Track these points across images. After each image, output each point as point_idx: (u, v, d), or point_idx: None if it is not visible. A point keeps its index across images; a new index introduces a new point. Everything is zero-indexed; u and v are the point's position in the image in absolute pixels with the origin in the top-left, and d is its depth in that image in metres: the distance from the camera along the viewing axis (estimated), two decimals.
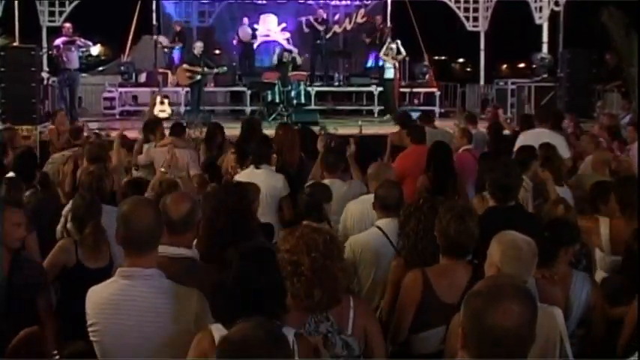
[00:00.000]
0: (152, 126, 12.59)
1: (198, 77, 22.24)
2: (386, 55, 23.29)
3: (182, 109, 23.51)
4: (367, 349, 4.65)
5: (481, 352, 2.94)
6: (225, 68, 23.97)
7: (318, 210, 7.22)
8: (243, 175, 9.15)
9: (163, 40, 26.12)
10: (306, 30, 26.50)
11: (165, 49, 25.97)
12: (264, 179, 8.79)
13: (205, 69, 22.39)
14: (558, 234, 5.96)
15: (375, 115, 24.43)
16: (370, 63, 27.64)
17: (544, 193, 8.62)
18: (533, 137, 11.24)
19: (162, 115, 21.01)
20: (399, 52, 23.42)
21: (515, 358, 2.96)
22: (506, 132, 14.85)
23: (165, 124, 13.42)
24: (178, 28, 26.14)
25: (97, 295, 4.50)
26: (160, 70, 24.93)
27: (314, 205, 7.23)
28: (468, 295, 3.05)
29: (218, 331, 3.96)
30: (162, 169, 9.39)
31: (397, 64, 23.48)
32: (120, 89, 25.20)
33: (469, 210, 5.66)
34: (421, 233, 5.87)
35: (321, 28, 25.75)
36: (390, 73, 23.32)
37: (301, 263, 4.49)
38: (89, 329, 4.49)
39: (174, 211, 5.07)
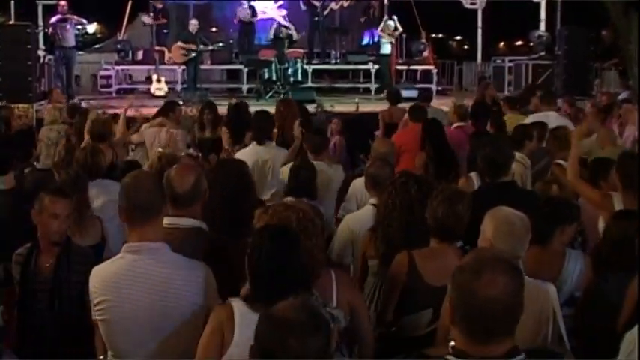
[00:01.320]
0: (171, 106, 12.66)
1: (194, 55, 22.21)
2: (383, 31, 23.29)
3: (179, 87, 23.50)
4: (353, 322, 4.64)
5: (470, 325, 2.96)
6: (220, 45, 23.97)
7: (311, 187, 7.28)
8: (247, 153, 9.12)
9: (146, 18, 26.09)
10: (303, 8, 26.38)
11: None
12: (271, 155, 8.82)
13: (201, 46, 22.36)
14: (554, 212, 5.96)
15: (372, 92, 24.39)
16: (367, 40, 27.65)
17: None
18: (541, 119, 11.22)
19: (158, 93, 21.06)
20: (395, 28, 23.44)
21: (504, 328, 2.97)
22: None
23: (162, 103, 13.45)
24: (160, 5, 25.95)
25: (103, 272, 4.49)
26: (157, 48, 24.87)
27: (307, 183, 7.24)
28: (454, 270, 3.07)
29: (237, 304, 4.04)
30: (160, 149, 9.40)
31: (394, 41, 23.48)
32: (116, 67, 25.17)
33: (460, 193, 5.65)
34: (390, 208, 5.89)
35: (318, 4, 25.65)
36: (386, 49, 23.35)
37: None
38: (96, 307, 4.46)
39: (180, 184, 5.06)
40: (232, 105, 12.65)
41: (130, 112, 13.17)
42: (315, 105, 17.57)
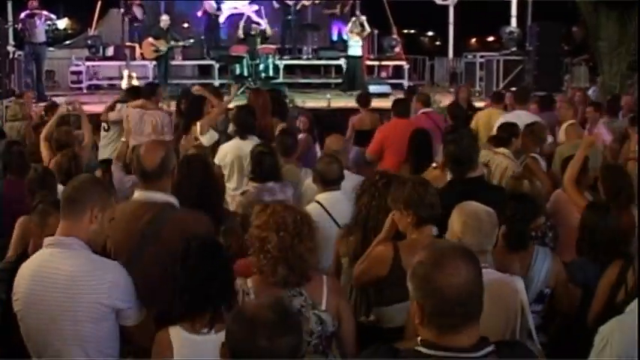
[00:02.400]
0: (135, 90, 12.67)
1: (164, 50, 22.12)
2: (351, 31, 23.23)
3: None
4: (339, 328, 4.71)
5: (441, 317, 2.96)
6: (191, 41, 23.91)
7: (275, 171, 7.37)
8: (229, 146, 9.17)
9: (138, 12, 25.91)
10: (276, 5, 26.32)
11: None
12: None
13: (172, 42, 22.28)
14: (519, 208, 6.00)
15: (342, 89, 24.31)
16: (335, 36, 27.61)
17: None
18: (513, 119, 11.24)
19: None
20: (363, 28, 23.33)
21: (470, 315, 2.98)
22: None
23: None
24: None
25: (23, 267, 4.42)
26: (128, 44, 24.76)
27: (271, 167, 7.30)
28: (412, 268, 3.08)
29: (173, 330, 4.14)
30: (123, 140, 9.45)
31: (364, 41, 23.44)
32: (87, 63, 25.05)
33: (426, 180, 5.72)
34: (374, 210, 5.87)
35: (291, 3, 25.61)
36: (354, 51, 23.22)
37: (269, 241, 4.56)
38: (14, 302, 4.41)
39: (148, 161, 5.09)
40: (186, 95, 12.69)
41: (101, 109, 13.10)
42: (286, 101, 17.50)
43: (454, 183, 6.76)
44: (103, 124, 12.10)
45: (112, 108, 12.04)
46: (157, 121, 11.24)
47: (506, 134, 9.56)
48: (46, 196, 6.55)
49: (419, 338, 3.04)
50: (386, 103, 15.78)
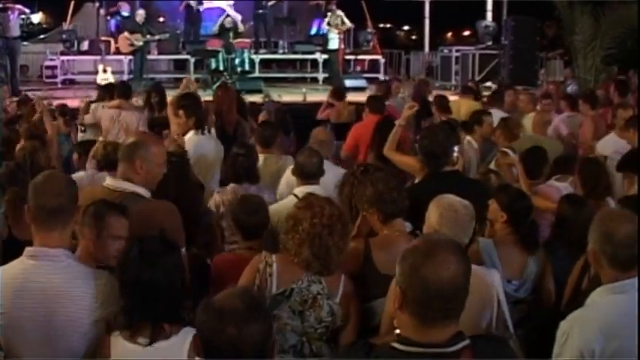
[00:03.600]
0: (108, 89, 12.61)
1: (140, 45, 22.04)
2: (330, 25, 23.23)
3: (125, 77, 23.24)
4: (345, 326, 4.80)
5: (421, 307, 2.95)
6: (167, 35, 23.80)
7: (251, 172, 7.31)
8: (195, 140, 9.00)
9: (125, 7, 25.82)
10: None
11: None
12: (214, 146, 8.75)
13: (147, 36, 22.20)
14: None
15: (320, 82, 24.38)
16: (314, 30, 27.57)
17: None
18: None
19: (104, 83, 20.81)
20: (343, 22, 23.34)
21: (453, 310, 2.98)
22: None
23: None
24: None
25: (4, 280, 4.14)
26: (103, 38, 24.64)
27: (246, 168, 7.23)
28: (403, 252, 3.06)
29: (114, 338, 3.96)
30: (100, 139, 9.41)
31: (342, 35, 23.44)
32: (62, 57, 24.92)
33: (385, 175, 5.70)
34: (355, 200, 5.85)
35: None
36: (333, 44, 23.26)
37: (301, 223, 4.70)
38: None
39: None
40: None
41: (76, 103, 13.05)
42: (262, 95, 17.49)
43: (430, 177, 6.76)
44: (80, 126, 12.04)
45: (86, 110, 11.96)
46: (134, 120, 11.21)
47: (470, 121, 9.65)
48: (19, 192, 6.49)
49: (396, 331, 3.05)
50: (362, 97, 15.78)
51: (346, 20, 23.41)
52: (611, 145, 9.59)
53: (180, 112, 8.52)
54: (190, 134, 8.41)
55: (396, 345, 2.99)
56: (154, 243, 4.11)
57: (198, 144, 8.35)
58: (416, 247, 3.04)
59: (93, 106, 11.97)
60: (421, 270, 2.94)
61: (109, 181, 5.28)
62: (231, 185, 7.27)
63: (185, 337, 3.86)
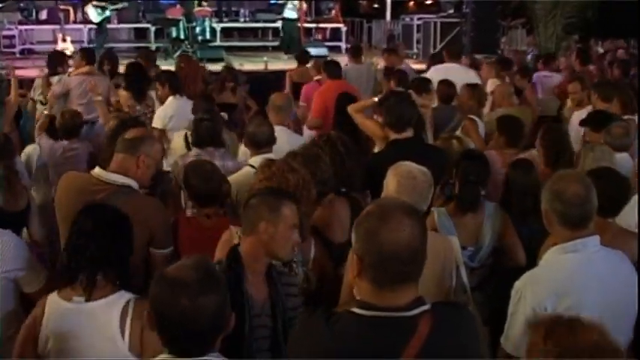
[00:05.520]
0: (61, 58, 12.41)
1: (109, 14, 21.89)
2: None
3: (85, 46, 23.02)
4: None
5: (378, 272, 2.94)
6: (126, 4, 23.57)
7: (215, 137, 7.25)
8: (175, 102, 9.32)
9: None
10: None
11: None
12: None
13: (110, 6, 22.01)
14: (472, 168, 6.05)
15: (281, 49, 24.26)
16: None
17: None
18: (442, 72, 11.29)
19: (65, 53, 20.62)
20: None
21: (411, 273, 2.97)
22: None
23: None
24: None
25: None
26: (62, 7, 24.36)
27: (210, 133, 7.18)
28: (358, 219, 3.04)
29: (51, 296, 4.04)
30: (100, 98, 9.75)
31: (298, 4, 23.38)
32: (19, 27, 24.58)
33: (316, 155, 5.65)
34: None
35: None
36: (290, 13, 23.19)
37: None
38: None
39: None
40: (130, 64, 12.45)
41: (35, 73, 12.90)
42: (223, 63, 17.40)
43: (392, 143, 6.75)
44: (40, 99, 11.83)
45: (47, 84, 11.75)
46: (105, 87, 11.07)
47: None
48: (9, 165, 6.48)
49: (356, 298, 3.03)
50: None
51: None
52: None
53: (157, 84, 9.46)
54: (170, 99, 9.25)
55: (355, 310, 2.97)
56: (109, 207, 4.31)
57: (179, 105, 9.19)
58: (370, 213, 3.02)
59: (56, 78, 11.76)
60: (376, 234, 2.92)
61: (98, 171, 5.22)
62: (195, 150, 7.24)
63: (119, 299, 3.93)
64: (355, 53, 14.48)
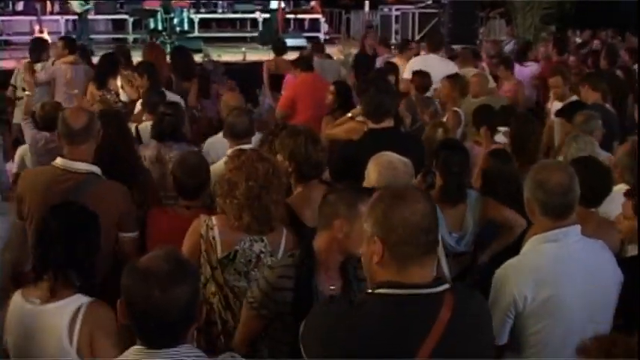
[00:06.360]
0: (43, 45, 12.36)
1: (91, 5, 21.78)
2: None
3: (67, 35, 22.85)
4: None
5: (407, 245, 2.96)
6: None
7: (177, 131, 7.24)
8: None
9: None
10: None
11: None
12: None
13: None
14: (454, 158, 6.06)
15: (260, 42, 24.22)
16: None
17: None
18: (420, 63, 11.29)
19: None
20: None
21: (434, 242, 3.03)
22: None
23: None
24: None
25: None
26: None
27: (171, 128, 7.17)
28: (370, 205, 3.09)
29: (15, 296, 4.08)
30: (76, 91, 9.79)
31: None
32: None
33: (317, 136, 5.76)
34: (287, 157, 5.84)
35: None
36: (272, 4, 23.19)
37: (237, 187, 4.63)
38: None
39: (74, 121, 5.19)
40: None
41: (12, 64, 12.83)
42: (202, 55, 17.36)
43: (370, 133, 6.75)
44: (22, 85, 11.75)
45: (30, 70, 11.67)
46: (89, 77, 11.03)
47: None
48: None
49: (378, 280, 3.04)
50: None
51: None
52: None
53: (136, 75, 9.43)
54: None
55: (380, 290, 2.98)
56: (75, 205, 4.36)
57: None
58: (382, 195, 3.08)
59: (40, 64, 11.71)
60: (396, 210, 2.96)
61: (61, 162, 5.21)
62: (153, 142, 7.21)
63: (71, 303, 3.93)
64: (319, 49, 14.48)
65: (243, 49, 20.73)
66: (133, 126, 8.03)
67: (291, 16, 25.98)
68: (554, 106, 9.61)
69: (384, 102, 6.74)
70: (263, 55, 19.33)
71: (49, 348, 3.90)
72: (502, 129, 7.82)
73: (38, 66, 11.58)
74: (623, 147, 6.49)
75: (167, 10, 22.40)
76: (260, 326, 4.19)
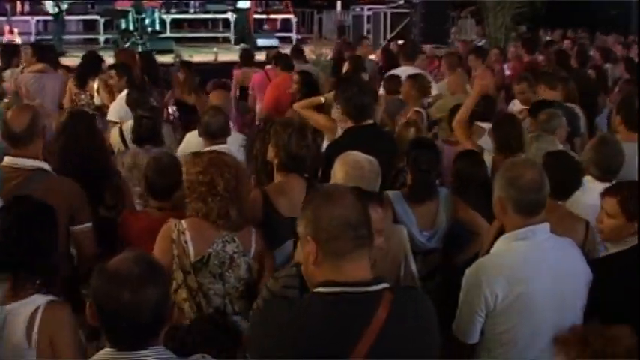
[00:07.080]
0: (13, 50, 12.26)
1: (65, 7, 21.70)
2: None
3: (32, 38, 22.76)
4: (261, 278, 4.80)
5: (336, 240, 2.98)
6: None
7: (154, 135, 7.20)
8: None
9: None
10: None
11: None
12: None
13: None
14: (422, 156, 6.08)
15: (232, 42, 24.22)
16: None
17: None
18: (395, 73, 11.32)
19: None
20: None
21: (364, 236, 3.02)
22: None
23: None
24: None
25: None
26: None
27: (150, 131, 7.15)
28: (302, 206, 3.11)
29: None
30: (38, 101, 9.47)
31: None
32: None
33: (306, 125, 5.81)
34: (272, 153, 5.84)
35: None
36: (242, 4, 23.16)
37: (216, 184, 4.64)
38: None
39: (17, 123, 5.12)
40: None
41: None
42: (173, 55, 17.35)
43: (348, 131, 6.78)
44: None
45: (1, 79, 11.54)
46: (56, 87, 10.92)
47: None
48: None
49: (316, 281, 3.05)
50: None
51: None
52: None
53: (113, 72, 9.59)
54: (125, 92, 8.98)
55: (319, 289, 2.99)
56: (35, 202, 4.26)
57: None
58: (313, 196, 3.13)
59: (8, 72, 11.57)
60: (324, 208, 3.00)
61: (8, 160, 5.18)
62: (133, 147, 7.19)
63: (29, 304, 3.87)
64: (298, 54, 14.42)
65: (215, 49, 20.71)
66: (117, 127, 8.04)
67: (263, 16, 25.93)
68: (516, 105, 9.70)
69: (363, 102, 6.78)
70: (235, 55, 19.30)
71: (8, 350, 3.86)
72: (483, 124, 7.86)
73: (7, 72, 11.48)
74: (591, 141, 6.53)
75: (138, 10, 22.34)
76: None
